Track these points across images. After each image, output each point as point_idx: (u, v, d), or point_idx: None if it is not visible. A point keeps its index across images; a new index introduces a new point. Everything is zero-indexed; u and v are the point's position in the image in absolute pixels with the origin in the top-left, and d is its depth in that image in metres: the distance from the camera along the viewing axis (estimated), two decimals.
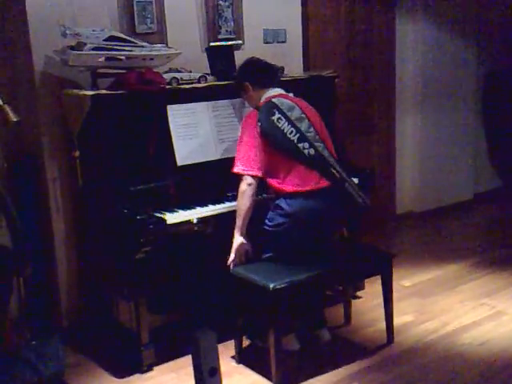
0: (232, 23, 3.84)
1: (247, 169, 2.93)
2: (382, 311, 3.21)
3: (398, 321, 3.29)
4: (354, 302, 3.61)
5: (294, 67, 4.07)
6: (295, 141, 2.99)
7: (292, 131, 2.99)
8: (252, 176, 2.93)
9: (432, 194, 5.59)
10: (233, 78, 3.30)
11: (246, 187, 2.92)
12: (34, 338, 3.01)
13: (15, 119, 3.05)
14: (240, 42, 3.87)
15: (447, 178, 5.68)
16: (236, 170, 2.95)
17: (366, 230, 4.71)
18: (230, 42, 3.72)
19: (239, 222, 2.95)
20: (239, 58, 3.60)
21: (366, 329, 3.42)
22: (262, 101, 3.10)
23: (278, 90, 3.15)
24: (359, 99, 5.02)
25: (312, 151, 3.00)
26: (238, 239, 2.98)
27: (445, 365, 3.00)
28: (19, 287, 3.14)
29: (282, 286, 2.77)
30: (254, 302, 2.98)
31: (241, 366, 3.08)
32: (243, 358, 3.11)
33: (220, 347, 2.62)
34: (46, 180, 3.31)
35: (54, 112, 3.27)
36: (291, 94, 3.30)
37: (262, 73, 3.19)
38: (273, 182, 3.02)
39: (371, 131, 5.17)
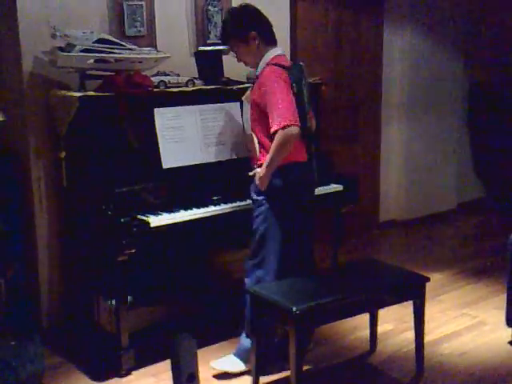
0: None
1: (294, 121, 2.74)
2: (362, 318, 3.23)
3: (378, 329, 3.29)
4: None
5: None
6: (306, 109, 2.93)
7: (307, 99, 2.93)
8: (298, 127, 2.75)
9: (415, 202, 5.63)
10: (231, 25, 2.95)
11: (292, 138, 2.75)
12: (13, 338, 2.99)
13: (1, 119, 3.04)
14: (228, 46, 3.86)
15: (431, 187, 5.73)
16: (284, 123, 2.72)
17: (349, 236, 4.74)
18: (218, 47, 3.73)
19: (277, 162, 2.81)
20: (228, 62, 3.62)
21: (347, 336, 3.44)
22: (268, 59, 2.90)
23: (281, 50, 2.99)
24: (345, 107, 5.05)
25: (308, 123, 2.97)
26: (268, 172, 2.83)
27: (424, 374, 3.01)
28: (0, 287, 3.13)
29: (306, 309, 2.58)
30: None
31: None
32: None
33: (200, 353, 2.62)
34: (31, 180, 3.30)
35: (41, 112, 3.26)
36: None
37: (269, 26, 2.97)
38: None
39: (356, 139, 5.20)
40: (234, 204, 3.18)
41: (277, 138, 2.76)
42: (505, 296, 3.31)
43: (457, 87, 5.81)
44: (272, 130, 2.77)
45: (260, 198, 2.91)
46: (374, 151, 5.36)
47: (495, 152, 6.07)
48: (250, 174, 2.96)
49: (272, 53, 2.92)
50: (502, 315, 3.36)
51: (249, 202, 3.12)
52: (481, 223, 5.73)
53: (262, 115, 2.85)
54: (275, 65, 2.85)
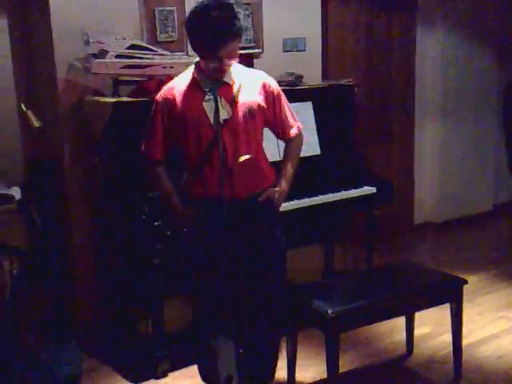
0: (252, 32, 3.86)
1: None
2: (398, 321, 3.19)
3: (415, 332, 3.25)
4: None
5: (312, 76, 4.07)
6: None
7: None
8: None
9: (451, 204, 5.54)
10: (238, 22, 2.38)
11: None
12: (51, 341, 3.03)
13: (38, 125, 3.10)
14: (259, 50, 3.88)
15: (467, 189, 5.63)
16: (300, 126, 2.68)
17: (384, 239, 4.70)
18: (249, 51, 3.74)
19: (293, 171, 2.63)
20: (258, 66, 3.63)
21: (384, 339, 3.41)
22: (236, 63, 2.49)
23: None
24: (378, 108, 5.01)
25: None
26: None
27: (462, 377, 2.97)
28: (37, 290, 3.18)
29: (341, 311, 2.56)
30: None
31: None
32: None
33: None
34: (67, 185, 3.35)
35: (76, 118, 3.31)
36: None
37: None
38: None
39: (390, 140, 5.15)
40: None
41: (297, 142, 2.65)
42: None
43: (492, 86, 5.70)
44: (294, 132, 2.63)
45: (278, 231, 2.60)
46: (408, 152, 5.31)
47: None
48: (263, 197, 2.51)
49: None
50: None
51: (286, 203, 2.99)
52: None
53: (262, 125, 2.57)
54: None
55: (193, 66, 2.51)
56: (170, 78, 3.19)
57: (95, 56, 3.10)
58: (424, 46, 5.22)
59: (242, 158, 2.42)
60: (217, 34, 2.31)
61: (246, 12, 3.82)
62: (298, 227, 3.35)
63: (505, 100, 5.90)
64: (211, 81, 2.41)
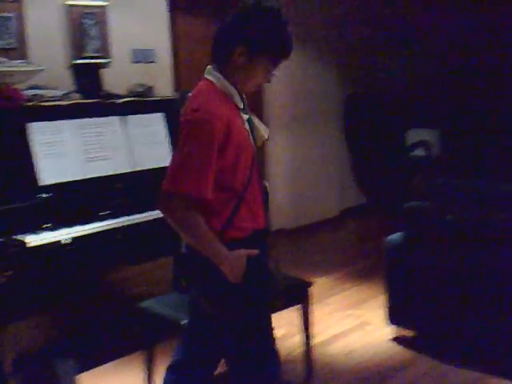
0: (98, 41, 3.77)
1: None
2: None
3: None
4: None
5: (163, 87, 4.06)
6: None
7: None
8: None
9: (302, 211, 5.79)
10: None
11: None
12: None
13: None
14: (106, 60, 3.80)
15: (316, 196, 5.91)
16: None
17: None
18: (96, 60, 3.65)
19: None
20: (107, 76, 3.55)
21: None
22: None
23: None
24: None
25: None
26: None
27: (315, 375, 3.08)
28: None
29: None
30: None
31: None
32: None
33: (88, 375, 2.51)
34: None
35: None
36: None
37: None
38: None
39: None
40: (124, 219, 3.09)
41: None
42: (385, 296, 3.46)
43: (334, 98, 6.05)
44: None
45: None
46: (260, 163, 5.43)
47: (373, 160, 6.36)
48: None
49: None
50: (384, 314, 3.51)
51: (138, 216, 3.05)
52: (362, 228, 5.98)
53: None
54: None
55: (213, 79, 2.01)
56: (8, 86, 3.04)
57: None
58: None
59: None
60: (290, 42, 2.03)
61: (92, 21, 3.73)
62: (150, 239, 3.31)
63: (345, 110, 6.29)
64: (239, 96, 2.03)
